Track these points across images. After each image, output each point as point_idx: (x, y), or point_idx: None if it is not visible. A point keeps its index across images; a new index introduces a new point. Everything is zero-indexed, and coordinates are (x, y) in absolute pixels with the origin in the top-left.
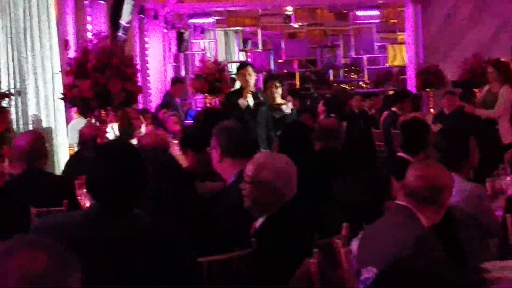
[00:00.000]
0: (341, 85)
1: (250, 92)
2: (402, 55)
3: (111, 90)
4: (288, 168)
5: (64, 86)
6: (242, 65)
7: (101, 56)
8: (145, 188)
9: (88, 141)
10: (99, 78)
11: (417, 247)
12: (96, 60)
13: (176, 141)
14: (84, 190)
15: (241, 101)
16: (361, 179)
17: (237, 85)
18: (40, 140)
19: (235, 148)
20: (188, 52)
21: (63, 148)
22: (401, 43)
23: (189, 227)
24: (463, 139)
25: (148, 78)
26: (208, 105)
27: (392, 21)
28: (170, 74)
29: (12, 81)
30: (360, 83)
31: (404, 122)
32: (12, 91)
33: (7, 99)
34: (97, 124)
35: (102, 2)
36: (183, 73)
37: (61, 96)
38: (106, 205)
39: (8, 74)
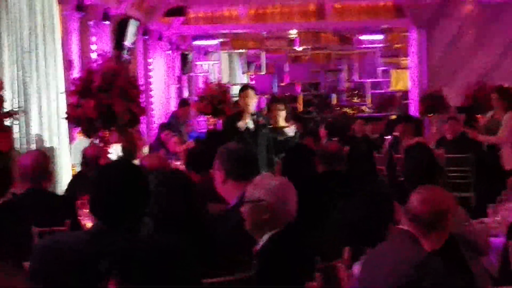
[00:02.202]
0: (344, 109)
1: (248, 115)
2: (405, 79)
3: (115, 111)
4: (283, 188)
5: (68, 106)
6: (243, 88)
7: (106, 77)
8: (147, 207)
9: (91, 162)
10: (103, 98)
11: (420, 271)
12: (101, 80)
13: (178, 162)
14: (86, 210)
15: (240, 124)
16: (364, 203)
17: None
18: (45, 160)
19: (238, 171)
20: (191, 73)
21: (66, 168)
22: (404, 68)
23: (194, 247)
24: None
25: (151, 99)
26: (210, 127)
27: (396, 45)
28: (173, 95)
29: (16, 100)
30: (363, 107)
31: (408, 147)
32: (16, 110)
33: (11, 118)
34: (101, 144)
35: (107, 22)
36: (186, 94)
37: (65, 116)
38: (109, 225)
39: (13, 93)
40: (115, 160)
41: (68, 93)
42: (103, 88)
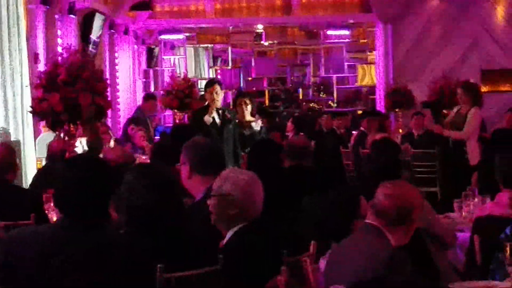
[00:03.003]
0: (310, 104)
1: (215, 109)
2: (371, 75)
3: (81, 104)
4: (251, 182)
5: (34, 99)
6: (210, 83)
7: (71, 70)
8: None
9: (57, 155)
10: (69, 92)
11: (387, 266)
12: (66, 74)
13: (144, 157)
14: (52, 204)
15: (206, 118)
16: (330, 197)
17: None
18: (10, 153)
19: (204, 165)
20: (157, 68)
21: (31, 162)
22: (371, 63)
23: (164, 241)
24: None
25: (117, 93)
26: (177, 121)
27: (362, 41)
28: (140, 89)
29: None
30: (329, 102)
31: (374, 142)
32: None
33: None
34: (66, 138)
35: (73, 16)
36: (152, 88)
37: (30, 109)
38: (74, 219)
39: None
40: (80, 154)
41: (34, 86)
42: (68, 81)
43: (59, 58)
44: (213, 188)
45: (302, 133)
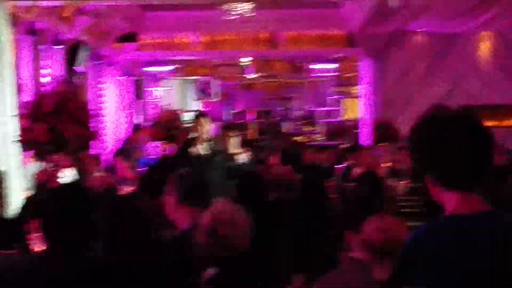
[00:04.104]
0: (295, 137)
1: (202, 141)
2: (356, 108)
3: (66, 135)
4: (246, 222)
5: (21, 129)
6: (196, 116)
7: (56, 101)
8: (94, 229)
9: (42, 185)
10: (53, 122)
11: None
12: (51, 104)
13: (128, 188)
14: (34, 234)
15: (192, 150)
16: (314, 229)
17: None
18: None
19: (191, 196)
20: (143, 99)
21: (17, 192)
22: (356, 97)
23: (144, 273)
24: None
25: (103, 124)
26: (163, 152)
27: (347, 75)
28: (125, 120)
29: None
30: (314, 135)
31: (359, 176)
32: None
33: None
34: (51, 168)
35: (58, 47)
36: (139, 120)
37: (16, 139)
38: (57, 246)
39: None
40: (62, 184)
41: (19, 116)
42: (53, 112)
43: (45, 89)
44: (205, 224)
45: (288, 166)
